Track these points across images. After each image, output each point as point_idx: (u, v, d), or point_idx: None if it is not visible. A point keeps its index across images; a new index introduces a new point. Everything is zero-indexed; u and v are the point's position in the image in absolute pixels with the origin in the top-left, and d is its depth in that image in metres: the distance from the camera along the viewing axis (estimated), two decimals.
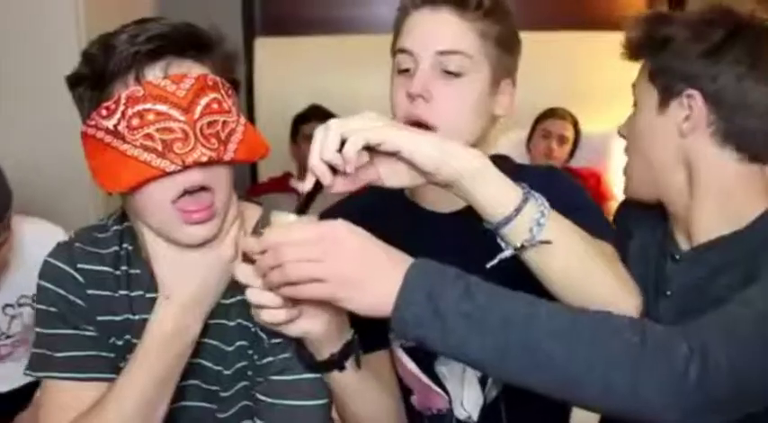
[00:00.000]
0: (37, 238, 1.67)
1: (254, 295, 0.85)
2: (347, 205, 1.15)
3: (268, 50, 3.62)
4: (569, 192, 1.09)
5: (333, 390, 0.97)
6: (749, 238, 1.00)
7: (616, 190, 3.08)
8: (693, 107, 1.00)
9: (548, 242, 0.86)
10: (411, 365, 1.12)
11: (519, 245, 0.87)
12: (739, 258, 0.98)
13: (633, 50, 1.07)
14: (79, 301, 1.01)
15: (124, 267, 1.03)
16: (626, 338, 0.78)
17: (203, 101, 0.90)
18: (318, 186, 0.86)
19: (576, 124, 3.22)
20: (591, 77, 3.22)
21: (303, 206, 0.86)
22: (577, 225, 0.91)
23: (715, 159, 1.01)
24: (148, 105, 0.87)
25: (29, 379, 1.67)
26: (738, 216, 1.01)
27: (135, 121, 0.87)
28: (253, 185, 3.39)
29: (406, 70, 1.05)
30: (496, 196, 0.87)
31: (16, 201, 1.57)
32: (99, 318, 1.01)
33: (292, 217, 0.84)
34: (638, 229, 1.14)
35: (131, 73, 0.87)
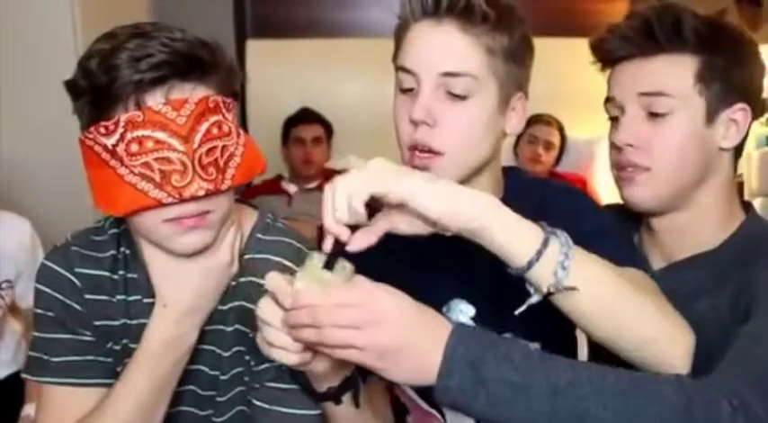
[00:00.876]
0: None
1: (274, 337, 0.81)
2: None
3: (259, 53, 3.60)
4: (592, 214, 1.05)
5: (325, 411, 0.94)
6: (719, 256, 1.00)
7: (601, 194, 3.11)
8: (740, 122, 0.98)
9: (573, 288, 0.82)
10: (410, 392, 1.10)
11: (545, 290, 0.83)
12: (716, 278, 0.97)
13: (672, 43, 0.98)
14: (77, 306, 1.00)
15: (122, 272, 1.02)
16: (672, 401, 0.77)
17: (203, 127, 0.88)
18: (339, 243, 0.82)
19: (561, 130, 3.26)
20: (576, 84, 3.23)
21: (329, 264, 0.80)
22: (602, 250, 0.87)
23: (731, 171, 1.02)
24: (148, 132, 0.86)
25: None
26: (721, 229, 1.02)
27: (134, 147, 0.86)
28: (246, 188, 3.42)
29: (409, 90, 0.98)
30: (514, 242, 0.82)
31: (15, 201, 1.56)
32: (96, 322, 1.01)
33: (328, 275, 0.80)
34: None
35: (132, 98, 0.86)
